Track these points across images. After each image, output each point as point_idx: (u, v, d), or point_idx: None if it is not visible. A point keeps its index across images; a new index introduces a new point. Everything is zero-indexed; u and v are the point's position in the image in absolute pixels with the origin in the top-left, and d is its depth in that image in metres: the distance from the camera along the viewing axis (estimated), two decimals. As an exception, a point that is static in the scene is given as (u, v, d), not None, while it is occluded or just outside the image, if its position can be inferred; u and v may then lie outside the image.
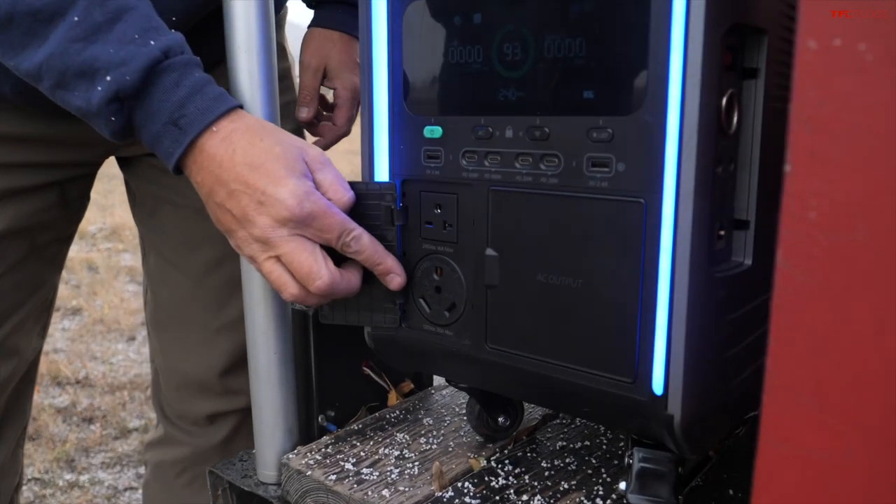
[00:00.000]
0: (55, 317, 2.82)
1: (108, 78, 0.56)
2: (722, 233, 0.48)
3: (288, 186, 0.56)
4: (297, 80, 1.00)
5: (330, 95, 0.99)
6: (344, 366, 0.77)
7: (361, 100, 0.61)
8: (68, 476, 1.82)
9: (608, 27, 0.47)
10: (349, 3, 0.95)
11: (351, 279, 0.60)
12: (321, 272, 0.57)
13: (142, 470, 1.89)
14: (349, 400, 0.78)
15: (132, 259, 3.86)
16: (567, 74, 0.49)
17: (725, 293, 0.47)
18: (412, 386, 0.83)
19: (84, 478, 1.82)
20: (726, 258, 0.50)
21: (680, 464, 0.53)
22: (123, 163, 0.95)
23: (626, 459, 0.54)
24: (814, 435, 0.31)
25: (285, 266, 0.58)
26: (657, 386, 0.48)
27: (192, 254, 0.94)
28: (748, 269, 0.49)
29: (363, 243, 0.59)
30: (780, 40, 0.48)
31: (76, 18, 0.56)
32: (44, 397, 2.23)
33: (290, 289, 0.58)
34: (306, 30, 0.99)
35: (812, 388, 0.31)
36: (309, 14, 1.01)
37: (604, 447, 0.69)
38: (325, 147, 0.98)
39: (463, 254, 0.58)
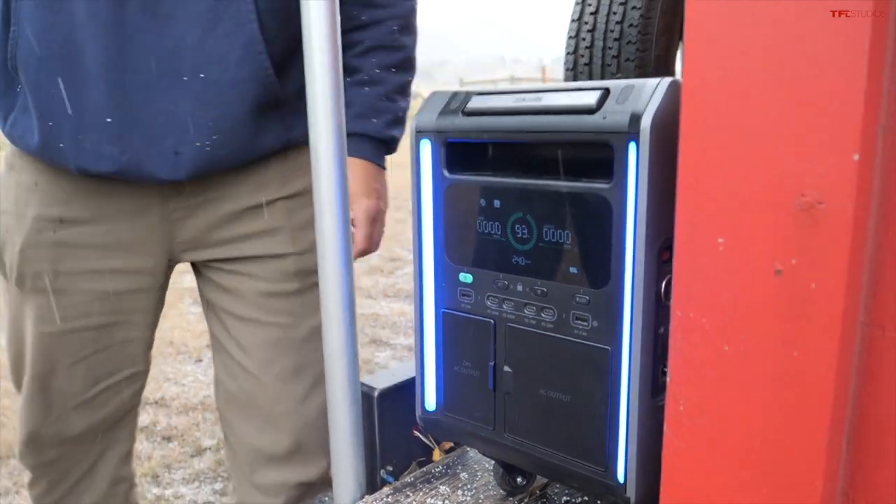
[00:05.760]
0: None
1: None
2: (665, 370, 0.69)
3: None
4: None
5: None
6: (399, 430, 0.99)
7: (413, 250, 0.83)
8: (155, 490, 2.09)
9: (587, 228, 0.68)
10: (370, 136, 1.19)
11: None
12: None
13: (217, 486, 2.14)
14: (403, 457, 1.00)
15: (192, 281, 4.15)
16: (559, 254, 0.70)
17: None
18: (451, 444, 1.05)
19: (168, 492, 2.09)
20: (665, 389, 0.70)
21: (643, 525, 0.74)
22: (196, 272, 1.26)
23: (605, 520, 0.75)
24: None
25: None
26: (620, 476, 0.69)
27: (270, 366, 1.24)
28: (686, 392, 0.70)
29: None
30: (707, 234, 0.69)
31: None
32: (127, 416, 2.51)
33: None
34: None
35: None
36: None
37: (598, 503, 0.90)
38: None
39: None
